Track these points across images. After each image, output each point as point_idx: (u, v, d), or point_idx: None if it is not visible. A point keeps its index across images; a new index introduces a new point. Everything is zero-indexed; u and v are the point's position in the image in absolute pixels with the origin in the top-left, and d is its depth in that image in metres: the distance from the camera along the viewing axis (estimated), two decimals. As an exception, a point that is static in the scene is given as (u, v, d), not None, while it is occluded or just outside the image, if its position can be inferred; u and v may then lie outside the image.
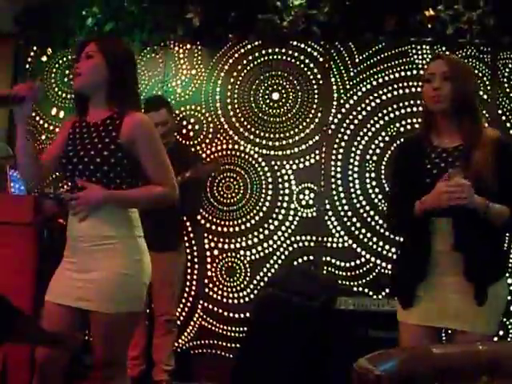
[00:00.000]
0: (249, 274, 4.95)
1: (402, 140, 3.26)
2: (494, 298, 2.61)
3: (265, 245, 4.96)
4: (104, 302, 2.57)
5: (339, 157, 4.95)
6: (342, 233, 4.88)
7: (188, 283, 4.99)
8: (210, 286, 5.00)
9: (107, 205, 2.60)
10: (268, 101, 5.09)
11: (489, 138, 2.66)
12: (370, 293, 4.75)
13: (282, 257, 4.93)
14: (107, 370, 2.65)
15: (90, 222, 2.59)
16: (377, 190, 4.86)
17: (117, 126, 2.62)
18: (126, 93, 2.68)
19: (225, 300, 4.97)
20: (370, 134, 4.93)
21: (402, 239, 3.10)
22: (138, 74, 2.84)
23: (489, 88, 4.83)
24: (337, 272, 4.84)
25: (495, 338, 4.21)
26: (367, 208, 4.86)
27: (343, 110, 4.97)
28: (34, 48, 5.45)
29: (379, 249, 4.80)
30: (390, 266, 4.72)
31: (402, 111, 4.90)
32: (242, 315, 4.90)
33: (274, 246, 4.95)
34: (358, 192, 4.89)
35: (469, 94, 2.73)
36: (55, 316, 2.69)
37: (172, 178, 2.69)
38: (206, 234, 5.02)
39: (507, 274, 2.85)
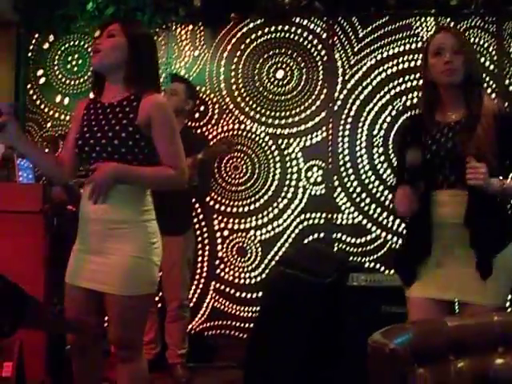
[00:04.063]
0: (260, 254, 4.96)
1: (405, 116, 3.25)
2: (503, 269, 2.60)
3: (275, 224, 4.95)
4: (118, 284, 2.58)
5: (346, 133, 4.92)
6: (352, 209, 4.87)
7: (199, 265, 5.00)
8: (222, 266, 5.01)
9: (120, 187, 2.58)
10: (272, 79, 5.06)
11: (488, 110, 2.64)
12: (382, 268, 4.75)
13: (293, 235, 4.93)
14: (124, 351, 2.69)
15: (104, 205, 2.57)
16: (385, 164, 4.84)
17: (134, 108, 2.59)
18: (144, 74, 2.65)
19: (236, 280, 4.98)
20: (376, 108, 4.90)
21: None
22: (158, 57, 2.81)
23: (495, 58, 4.79)
24: (348, 248, 4.84)
25: (509, 310, 4.22)
26: (376, 183, 4.85)
27: (348, 86, 4.94)
28: (36, 35, 5.42)
29: (389, 224, 4.79)
30: (400, 241, 4.71)
31: (408, 85, 4.87)
32: (255, 295, 4.91)
33: (284, 225, 4.94)
34: (367, 167, 4.87)
35: (477, 67, 2.72)
36: (72, 297, 2.72)
37: (183, 162, 2.65)
38: (215, 215, 5.02)
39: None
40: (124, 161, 2.57)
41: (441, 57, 2.68)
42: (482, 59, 4.78)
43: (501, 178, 2.55)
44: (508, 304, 4.24)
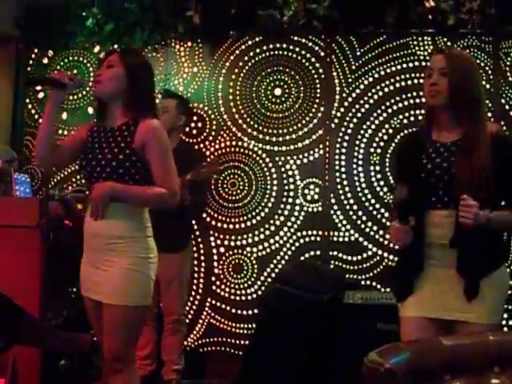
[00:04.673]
0: (256, 271, 4.95)
1: (403, 134, 3.26)
2: (495, 287, 2.60)
3: (271, 241, 4.95)
4: (114, 294, 2.74)
5: (343, 150, 4.94)
6: (349, 227, 4.87)
7: (195, 281, 4.99)
8: (218, 283, 5.00)
9: (119, 205, 2.77)
10: (270, 96, 5.08)
11: (489, 134, 2.65)
12: (378, 286, 4.75)
13: (289, 252, 4.93)
14: (117, 363, 2.80)
15: (105, 222, 2.77)
16: (382, 182, 4.85)
17: (132, 132, 2.80)
18: (142, 101, 2.86)
19: (232, 297, 4.97)
20: (373, 126, 4.92)
21: None
22: (154, 85, 3.01)
23: (491, 77, 4.82)
24: (344, 266, 4.84)
25: (505, 329, 4.21)
26: (373, 201, 4.85)
27: (346, 104, 4.96)
28: (36, 50, 5.45)
29: (386, 242, 4.79)
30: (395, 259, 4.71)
31: (405, 103, 4.89)
32: (250, 312, 4.91)
33: (281, 242, 4.94)
34: (363, 185, 4.88)
35: (467, 89, 2.69)
36: (87, 307, 2.92)
37: (174, 183, 2.85)
38: (211, 232, 5.02)
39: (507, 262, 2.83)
40: (122, 181, 2.77)
41: (429, 78, 2.71)
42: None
43: (487, 211, 2.54)
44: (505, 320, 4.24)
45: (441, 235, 2.62)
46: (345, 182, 4.91)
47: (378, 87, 4.94)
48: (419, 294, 2.67)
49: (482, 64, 4.83)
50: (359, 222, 4.86)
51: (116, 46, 5.27)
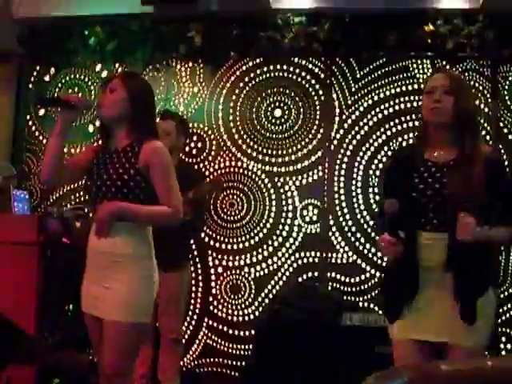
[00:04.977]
0: (253, 291, 4.94)
1: (394, 151, 3.24)
2: (484, 308, 2.60)
3: (269, 261, 4.95)
4: (116, 311, 2.78)
5: (342, 172, 4.95)
6: (347, 248, 4.87)
7: (192, 301, 4.98)
8: (215, 303, 4.99)
9: (123, 223, 2.83)
10: (270, 117, 5.10)
11: (481, 153, 2.66)
12: (376, 308, 4.74)
13: (287, 273, 4.92)
14: (116, 378, 2.81)
15: (109, 239, 2.83)
16: (380, 205, 4.85)
17: (136, 153, 2.89)
18: (144, 124, 2.95)
19: (230, 318, 4.96)
20: (372, 148, 4.93)
21: None
22: (155, 107, 3.11)
23: (489, 101, 4.85)
24: (342, 288, 4.83)
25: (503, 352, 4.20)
26: (371, 223, 4.86)
27: (345, 126, 4.99)
28: (38, 67, 5.47)
29: (384, 264, 4.78)
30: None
31: (404, 126, 4.91)
32: (248, 333, 4.89)
33: (279, 263, 4.94)
34: (362, 207, 4.89)
35: (470, 109, 2.73)
36: (88, 325, 2.94)
37: (177, 201, 2.92)
38: (209, 252, 5.02)
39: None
40: (126, 200, 2.85)
41: (431, 96, 2.71)
42: (477, 101, 4.84)
43: (484, 227, 2.55)
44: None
45: (431, 257, 2.61)
46: (343, 204, 4.92)
47: (378, 109, 4.96)
48: (409, 316, 2.66)
49: (481, 88, 4.86)
50: (357, 243, 4.86)
51: (117, 65, 5.31)
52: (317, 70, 5.06)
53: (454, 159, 2.66)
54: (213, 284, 5.00)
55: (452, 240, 2.56)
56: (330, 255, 4.88)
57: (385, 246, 2.65)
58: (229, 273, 4.99)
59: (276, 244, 4.96)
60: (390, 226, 2.66)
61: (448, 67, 4.85)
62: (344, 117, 5.00)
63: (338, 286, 4.84)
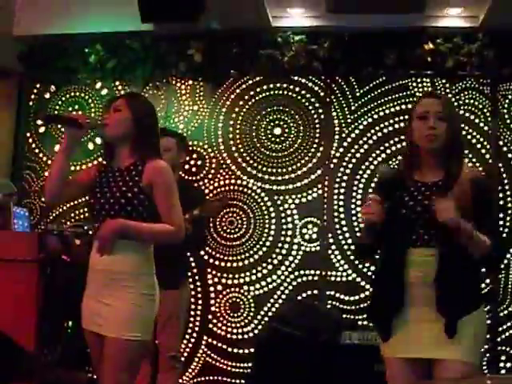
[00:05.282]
0: (253, 309, 4.93)
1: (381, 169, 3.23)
2: (473, 327, 2.60)
3: (268, 279, 4.94)
4: (117, 328, 2.78)
5: (341, 190, 4.96)
6: (346, 266, 4.86)
7: (192, 319, 4.96)
8: (214, 321, 4.97)
9: (124, 241, 2.83)
10: (270, 136, 5.11)
11: (466, 176, 2.69)
12: (375, 327, 4.71)
13: (286, 291, 4.91)
14: None
15: (111, 257, 2.83)
16: (380, 223, 4.84)
17: (139, 172, 2.92)
18: (148, 143, 3.00)
19: (229, 336, 4.94)
20: (371, 167, 4.94)
21: (375, 269, 3.12)
22: (158, 127, 3.12)
23: (489, 119, 4.86)
24: (341, 306, 4.82)
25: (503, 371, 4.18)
26: (370, 241, 4.84)
27: (345, 144, 5.00)
28: (38, 85, 5.49)
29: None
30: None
31: (404, 144, 4.91)
32: (247, 351, 4.87)
33: (278, 281, 4.93)
34: (361, 225, 4.88)
35: (460, 134, 2.79)
36: (88, 342, 2.93)
37: (180, 219, 2.94)
38: (209, 270, 5.01)
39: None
40: (129, 218, 2.86)
41: (425, 121, 2.72)
42: (477, 120, 4.86)
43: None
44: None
45: (420, 273, 2.62)
46: (343, 222, 4.92)
47: (377, 128, 4.98)
48: (400, 334, 2.66)
49: (480, 106, 4.88)
50: (357, 262, 4.85)
51: (117, 83, 5.33)
52: (316, 88, 5.08)
53: (442, 180, 2.69)
54: (212, 302, 4.99)
55: (441, 255, 2.57)
56: (329, 273, 4.87)
57: (371, 206, 2.66)
58: (228, 291, 4.97)
59: (275, 262, 4.96)
60: (367, 233, 2.71)
61: (447, 85, 4.88)
62: (344, 135, 5.01)
63: (337, 304, 4.83)
